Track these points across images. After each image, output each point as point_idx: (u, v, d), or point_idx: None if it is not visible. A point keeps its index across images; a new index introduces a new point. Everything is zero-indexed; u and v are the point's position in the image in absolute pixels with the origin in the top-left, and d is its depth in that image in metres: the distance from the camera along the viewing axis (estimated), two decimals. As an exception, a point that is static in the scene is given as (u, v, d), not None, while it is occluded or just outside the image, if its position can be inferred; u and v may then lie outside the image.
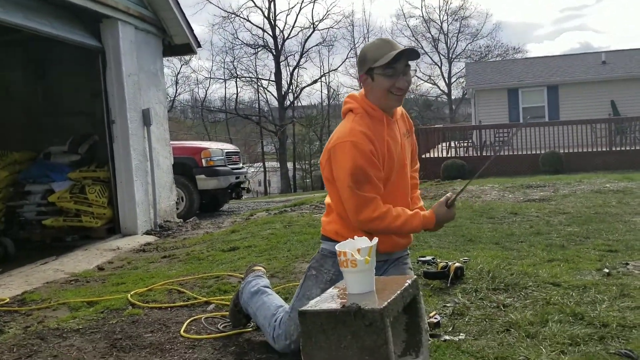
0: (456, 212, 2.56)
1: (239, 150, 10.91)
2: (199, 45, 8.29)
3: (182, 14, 7.69)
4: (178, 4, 7.59)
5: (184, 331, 2.98)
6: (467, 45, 42.43)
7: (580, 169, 13.24)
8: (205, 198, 9.52)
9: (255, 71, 37.33)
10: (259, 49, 35.88)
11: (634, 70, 19.80)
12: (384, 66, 2.33)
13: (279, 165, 35.56)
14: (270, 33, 34.89)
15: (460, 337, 2.54)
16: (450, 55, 42.15)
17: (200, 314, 3.24)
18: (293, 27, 50.07)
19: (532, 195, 7.40)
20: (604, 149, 14.73)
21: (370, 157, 2.31)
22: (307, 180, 39.85)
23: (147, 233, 6.89)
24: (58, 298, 3.92)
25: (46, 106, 7.96)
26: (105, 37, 6.69)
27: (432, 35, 42.45)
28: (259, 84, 37.18)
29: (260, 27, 35.76)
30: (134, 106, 6.91)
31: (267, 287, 2.87)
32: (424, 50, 42.19)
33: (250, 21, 39.00)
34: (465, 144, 17.14)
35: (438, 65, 42.57)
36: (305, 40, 35.89)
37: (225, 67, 38.40)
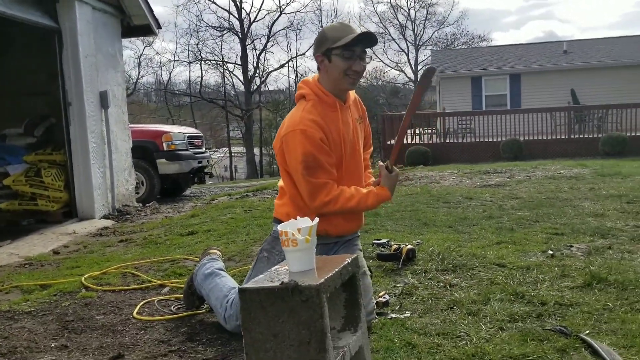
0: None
1: (201, 135, 10.83)
2: (159, 27, 8.17)
3: (142, -6, 7.55)
4: (138, -16, 7.46)
5: (137, 313, 2.99)
6: (433, 32, 42.86)
7: (540, 156, 13.60)
8: (167, 183, 9.44)
9: (221, 54, 36.96)
10: (224, 32, 35.47)
11: (594, 60, 20.32)
12: (343, 47, 2.39)
13: (245, 151, 35.34)
14: (236, 15, 34.50)
15: (405, 315, 2.63)
16: (417, 43, 42.47)
17: (154, 297, 3.25)
18: (260, 10, 49.85)
19: (488, 181, 7.58)
20: (563, 137, 15.16)
21: (319, 144, 2.37)
22: (274, 166, 39.72)
23: (105, 217, 6.82)
24: (11, 281, 3.87)
25: (1, 88, 7.74)
26: (61, 17, 6.54)
27: (399, 22, 42.67)
28: (224, 67, 36.81)
29: (225, 9, 35.40)
30: (91, 88, 6.79)
31: (222, 269, 2.90)
32: (391, 37, 42.46)
33: (215, 3, 38.56)
34: (430, 131, 17.39)
35: (405, 53, 42.89)
36: (272, 24, 35.63)
37: (190, 49, 37.83)
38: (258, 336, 1.55)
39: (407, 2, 43.83)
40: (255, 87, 35.67)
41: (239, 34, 34.53)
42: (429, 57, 32.44)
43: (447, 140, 16.25)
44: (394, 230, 4.54)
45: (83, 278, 3.68)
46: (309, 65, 39.48)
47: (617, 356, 2.05)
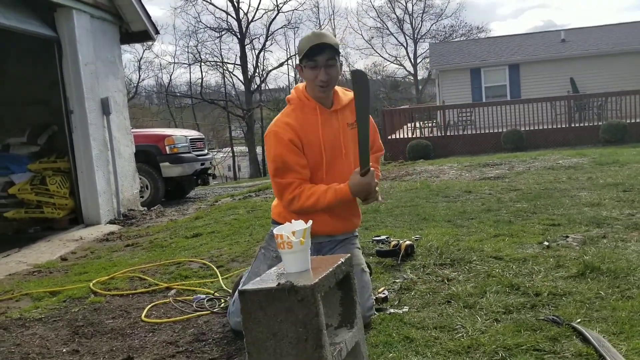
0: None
1: (203, 137, 10.92)
2: (157, 32, 8.25)
3: (138, 0, 7.63)
4: (134, -10, 7.54)
5: (145, 316, 3.08)
6: (431, 25, 42.81)
7: (541, 146, 13.64)
8: (171, 185, 9.53)
9: (220, 55, 37.00)
10: (223, 33, 35.46)
11: (592, 48, 20.29)
12: (306, 59, 2.48)
13: (247, 150, 35.41)
14: (234, 16, 34.50)
15: (404, 309, 2.71)
16: (416, 36, 42.43)
17: (162, 300, 3.34)
18: (257, 9, 49.74)
19: (487, 174, 7.64)
20: (564, 126, 15.18)
21: (289, 145, 2.50)
22: (277, 164, 39.70)
23: (111, 222, 6.92)
24: (21, 289, 3.97)
25: (3, 97, 7.85)
26: (60, 26, 6.63)
27: (397, 16, 42.63)
28: (224, 68, 36.83)
29: (223, 10, 35.34)
30: (92, 95, 6.88)
31: None
32: (390, 31, 42.44)
33: (213, 4, 38.53)
34: (430, 124, 17.43)
35: (404, 46, 42.86)
36: (270, 23, 35.56)
37: (189, 51, 37.86)
38: (258, 335, 1.64)
39: (404, -4, 43.63)
40: (256, 86, 35.70)
41: (238, 34, 34.53)
42: (427, 50, 32.45)
43: (448, 133, 16.28)
44: (393, 226, 4.62)
45: (91, 283, 3.78)
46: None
47: (607, 343, 2.13)
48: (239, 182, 18.40)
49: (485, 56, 21.62)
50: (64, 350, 2.74)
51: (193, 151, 9.62)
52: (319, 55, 2.47)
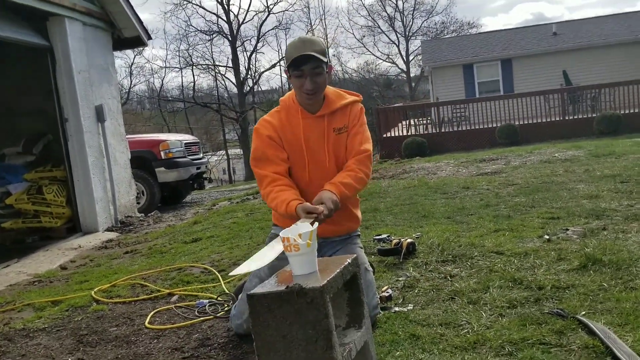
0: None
1: (198, 141, 10.90)
2: (149, 37, 8.23)
3: (129, 6, 7.61)
4: (125, -4, 7.52)
5: (149, 323, 3.08)
6: (422, 22, 42.81)
7: (536, 140, 13.68)
8: (167, 191, 9.51)
9: (212, 58, 36.90)
10: (214, 35, 35.42)
11: (584, 40, 20.37)
12: (292, 67, 2.48)
13: (242, 153, 35.37)
14: (225, 18, 34.48)
15: (409, 307, 2.72)
16: (407, 33, 42.45)
17: (164, 306, 3.33)
18: (247, 11, 49.66)
19: (484, 169, 7.66)
20: (558, 119, 15.23)
21: (267, 140, 2.61)
22: (272, 166, 39.66)
23: (109, 230, 6.90)
24: (22, 299, 3.96)
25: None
26: (52, 35, 6.60)
27: (388, 14, 42.62)
28: (216, 71, 36.78)
29: (213, 13, 35.37)
30: (87, 103, 6.86)
31: None
32: (381, 29, 42.46)
33: (203, 7, 38.61)
34: (425, 122, 17.45)
35: (395, 44, 42.88)
36: (261, 25, 35.56)
37: (181, 55, 37.91)
38: (268, 338, 1.64)
39: (394, -6, 43.65)
40: (248, 88, 35.69)
41: (229, 36, 34.52)
42: (420, 48, 32.49)
43: (443, 130, 16.33)
44: (393, 225, 4.63)
45: (93, 292, 3.77)
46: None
47: (612, 334, 2.14)
48: (235, 185, 18.39)
49: (477, 52, 21.68)
50: (70, 359, 2.73)
51: (188, 155, 9.60)
52: (304, 65, 2.46)
